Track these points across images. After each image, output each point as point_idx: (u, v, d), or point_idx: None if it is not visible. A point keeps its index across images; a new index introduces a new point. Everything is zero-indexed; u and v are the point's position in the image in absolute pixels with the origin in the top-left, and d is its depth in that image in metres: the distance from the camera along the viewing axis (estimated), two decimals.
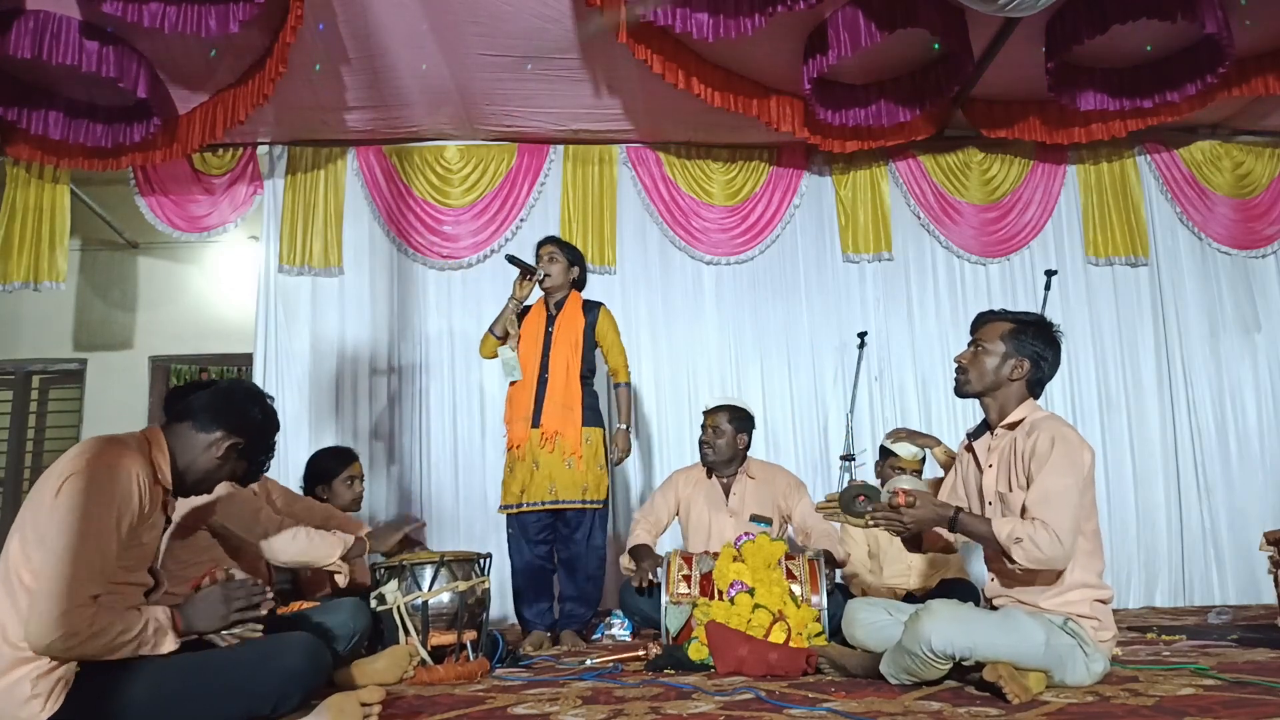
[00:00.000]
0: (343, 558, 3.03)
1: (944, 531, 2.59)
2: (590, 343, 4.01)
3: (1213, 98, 4.90)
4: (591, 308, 4.06)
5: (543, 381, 3.89)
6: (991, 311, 2.70)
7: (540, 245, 4.12)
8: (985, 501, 2.59)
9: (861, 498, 2.60)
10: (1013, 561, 2.34)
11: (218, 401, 2.15)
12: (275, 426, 2.28)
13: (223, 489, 2.76)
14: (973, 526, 2.45)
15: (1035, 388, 2.59)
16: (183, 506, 2.75)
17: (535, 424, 3.85)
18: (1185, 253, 5.70)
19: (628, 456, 4.04)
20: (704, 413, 3.97)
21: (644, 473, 5.37)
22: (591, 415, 3.93)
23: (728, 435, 3.86)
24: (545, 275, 3.97)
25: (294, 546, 2.96)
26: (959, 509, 2.49)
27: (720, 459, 3.88)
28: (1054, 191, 5.71)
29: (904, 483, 2.52)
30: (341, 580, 3.10)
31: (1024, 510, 2.40)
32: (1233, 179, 5.74)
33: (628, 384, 4.09)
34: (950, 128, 5.47)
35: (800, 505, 3.87)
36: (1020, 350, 2.55)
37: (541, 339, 3.96)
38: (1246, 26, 4.40)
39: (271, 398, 2.30)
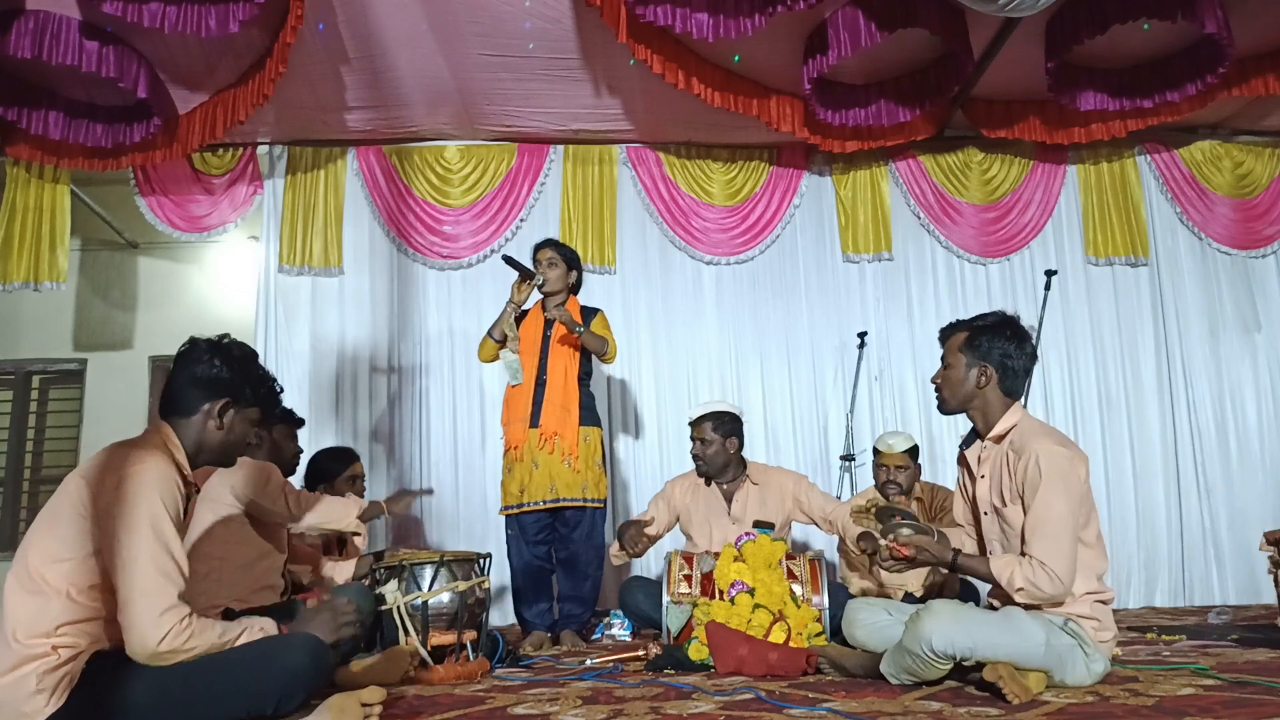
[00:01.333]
0: (360, 518, 3.23)
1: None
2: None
3: (1213, 98, 4.90)
4: (589, 313, 4.04)
5: (541, 384, 3.89)
6: (950, 325, 2.66)
7: (538, 249, 4.09)
8: (981, 512, 2.59)
9: (907, 530, 2.58)
10: (1014, 602, 2.37)
11: (182, 377, 2.12)
12: (249, 358, 2.20)
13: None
14: (972, 567, 2.47)
15: (1013, 389, 2.54)
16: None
17: (534, 424, 3.85)
18: (1185, 253, 5.70)
19: (561, 313, 3.81)
20: (689, 424, 3.88)
21: (643, 472, 5.36)
22: (589, 415, 3.93)
23: (716, 443, 3.76)
24: (543, 280, 3.97)
25: (312, 513, 3.16)
26: (958, 551, 2.50)
27: (714, 468, 3.79)
28: (1054, 191, 5.71)
29: (905, 532, 2.54)
30: (360, 543, 3.29)
31: (1022, 537, 2.39)
32: (1233, 179, 5.74)
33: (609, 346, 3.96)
34: (950, 128, 5.47)
35: (813, 499, 3.75)
36: (983, 357, 2.52)
37: (539, 342, 3.95)
38: (1246, 27, 4.39)
39: (226, 337, 2.20)
